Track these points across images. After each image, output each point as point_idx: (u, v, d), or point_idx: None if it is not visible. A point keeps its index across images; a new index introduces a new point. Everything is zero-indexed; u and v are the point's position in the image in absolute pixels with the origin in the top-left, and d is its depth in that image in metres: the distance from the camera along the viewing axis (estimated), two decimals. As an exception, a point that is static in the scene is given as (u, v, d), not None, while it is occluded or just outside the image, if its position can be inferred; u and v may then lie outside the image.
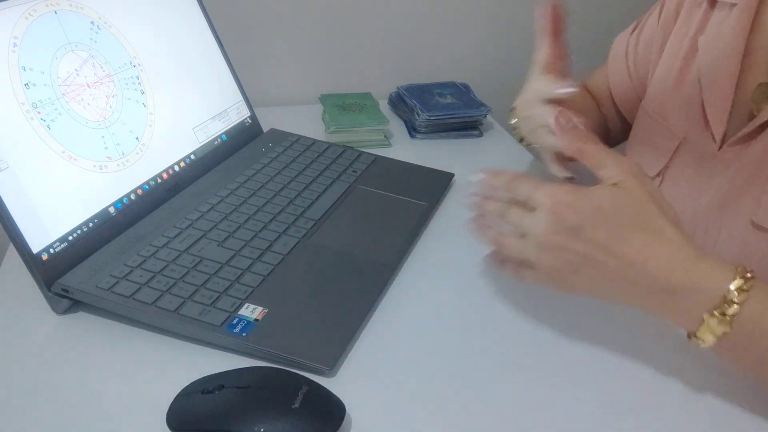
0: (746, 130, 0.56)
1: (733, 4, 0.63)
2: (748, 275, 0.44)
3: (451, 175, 0.83)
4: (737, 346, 0.44)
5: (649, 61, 0.77)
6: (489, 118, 1.02)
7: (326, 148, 0.86)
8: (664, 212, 0.45)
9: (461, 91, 1.04)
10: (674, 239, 0.45)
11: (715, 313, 0.43)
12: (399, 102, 1.03)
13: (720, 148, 0.60)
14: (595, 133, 0.83)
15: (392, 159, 0.86)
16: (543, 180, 0.49)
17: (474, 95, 1.03)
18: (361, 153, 0.86)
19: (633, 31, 0.82)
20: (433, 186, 0.80)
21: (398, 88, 1.05)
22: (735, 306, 0.43)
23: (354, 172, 0.81)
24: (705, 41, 0.65)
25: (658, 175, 0.69)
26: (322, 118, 0.99)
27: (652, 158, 0.70)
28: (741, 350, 0.45)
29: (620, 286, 0.47)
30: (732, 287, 0.43)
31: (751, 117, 0.57)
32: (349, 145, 0.89)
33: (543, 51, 0.64)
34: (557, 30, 0.62)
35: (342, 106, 0.98)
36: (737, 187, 0.58)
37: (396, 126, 1.00)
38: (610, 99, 0.85)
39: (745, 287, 0.43)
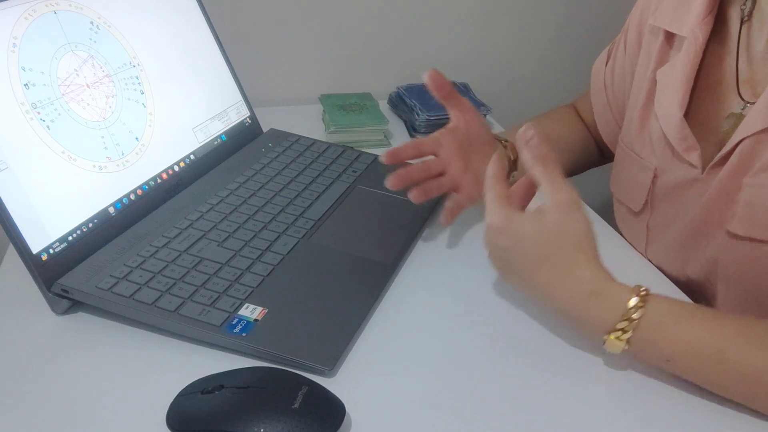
0: (724, 152, 0.61)
1: (683, 38, 0.66)
2: (643, 292, 0.50)
3: (451, 175, 0.83)
4: (641, 350, 0.51)
5: (624, 94, 0.78)
6: (489, 118, 1.02)
7: (326, 148, 0.86)
8: (580, 247, 0.51)
9: (461, 90, 1.04)
10: (579, 276, 0.51)
11: (611, 336, 0.50)
12: (399, 102, 1.03)
13: (703, 171, 0.64)
14: (581, 154, 0.87)
15: (392, 159, 0.86)
16: (499, 198, 0.55)
17: (474, 95, 1.03)
18: (360, 153, 0.86)
19: (607, 61, 0.82)
20: (433, 186, 0.80)
21: (398, 88, 1.05)
22: (634, 322, 0.49)
23: (354, 172, 0.81)
24: (662, 75, 0.68)
25: (644, 208, 0.72)
26: (322, 119, 0.99)
27: (634, 193, 0.73)
28: (644, 355, 0.52)
29: (537, 298, 0.56)
30: (630, 304, 0.50)
31: (724, 141, 0.62)
32: (349, 145, 0.89)
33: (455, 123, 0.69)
34: (449, 94, 0.67)
35: (342, 106, 0.98)
36: (717, 203, 0.62)
37: (396, 126, 1.00)
38: (594, 124, 0.86)
39: (640, 304, 0.49)
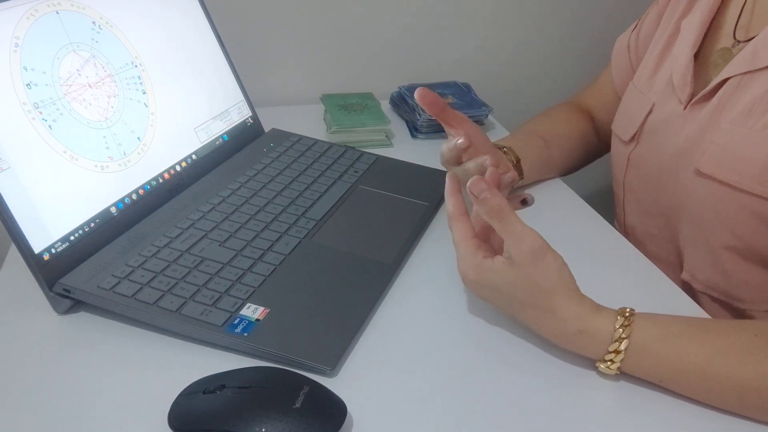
0: (706, 89, 0.64)
1: None
2: (628, 314, 0.51)
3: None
4: (634, 372, 0.52)
5: (647, 50, 0.79)
6: (490, 118, 1.02)
7: (328, 148, 0.86)
8: (557, 290, 0.52)
9: (463, 90, 1.04)
10: (562, 317, 0.52)
11: (602, 366, 0.52)
12: (400, 102, 1.03)
13: (685, 107, 0.67)
14: (581, 149, 0.88)
15: (394, 159, 0.86)
16: (465, 242, 0.55)
17: (475, 95, 1.03)
18: (362, 153, 0.86)
19: (634, 29, 0.85)
20: (434, 186, 0.80)
21: (400, 87, 1.05)
22: (620, 353, 0.51)
23: (355, 172, 0.81)
24: (686, 24, 0.72)
25: (632, 138, 0.76)
26: (324, 118, 0.99)
27: (628, 124, 0.77)
28: (637, 375, 0.52)
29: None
30: (616, 335, 0.51)
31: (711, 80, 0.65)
32: (351, 145, 0.89)
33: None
34: (441, 110, 0.67)
35: (343, 106, 0.98)
36: (691, 140, 0.65)
37: (397, 126, 1.00)
38: (610, 104, 0.86)
39: (625, 334, 0.50)
